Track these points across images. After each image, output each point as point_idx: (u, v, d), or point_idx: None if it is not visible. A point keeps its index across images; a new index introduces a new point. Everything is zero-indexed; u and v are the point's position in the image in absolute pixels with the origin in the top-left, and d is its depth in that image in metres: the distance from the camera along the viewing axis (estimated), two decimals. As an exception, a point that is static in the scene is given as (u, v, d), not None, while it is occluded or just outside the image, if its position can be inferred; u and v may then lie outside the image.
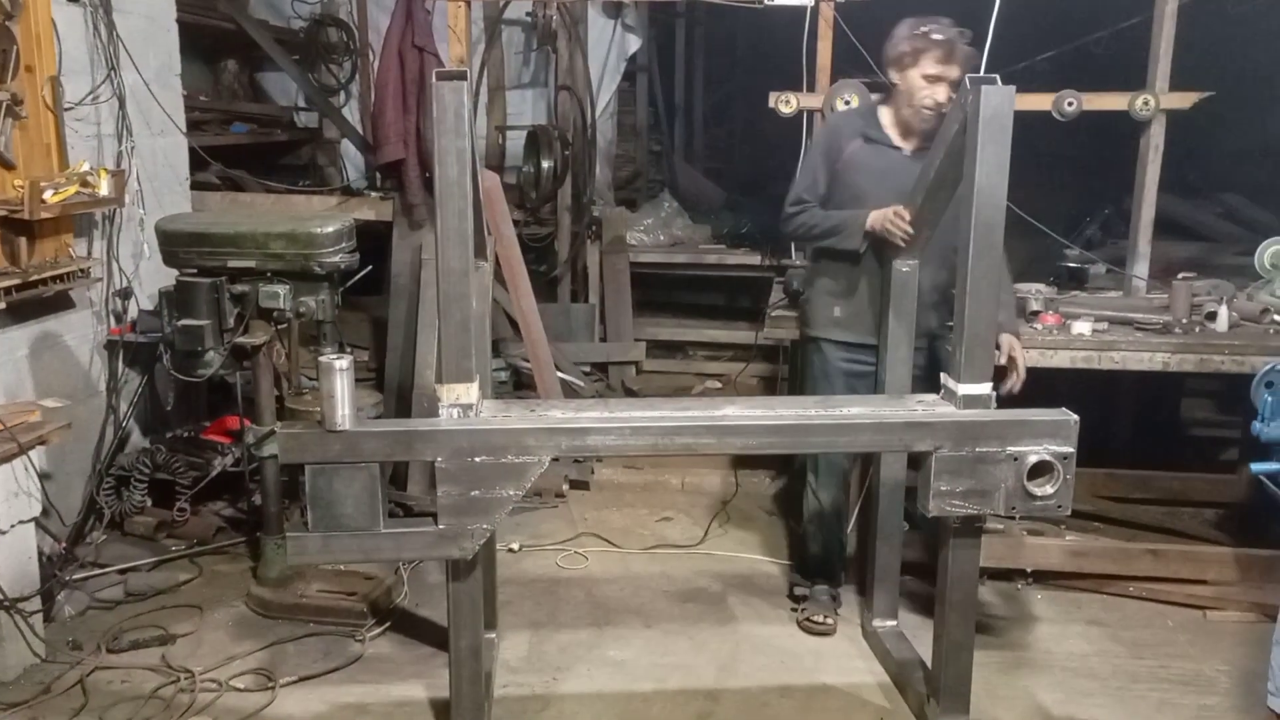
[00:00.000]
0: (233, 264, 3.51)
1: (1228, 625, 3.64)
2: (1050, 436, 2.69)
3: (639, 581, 4.00)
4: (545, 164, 5.86)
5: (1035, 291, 4.01)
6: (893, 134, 3.39)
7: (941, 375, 2.90)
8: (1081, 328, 3.71)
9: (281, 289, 3.52)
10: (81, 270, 3.93)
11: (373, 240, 4.67)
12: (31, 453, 3.25)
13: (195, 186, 4.97)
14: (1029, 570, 3.85)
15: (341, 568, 3.74)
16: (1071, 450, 2.69)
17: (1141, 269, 4.42)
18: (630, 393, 5.92)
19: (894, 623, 3.51)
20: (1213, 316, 3.78)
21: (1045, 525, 3.92)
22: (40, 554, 3.46)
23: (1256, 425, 3.02)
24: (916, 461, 2.85)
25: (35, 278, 3.67)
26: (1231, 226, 6.35)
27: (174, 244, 3.57)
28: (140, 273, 4.33)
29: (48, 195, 3.59)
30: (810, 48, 4.52)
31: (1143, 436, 4.94)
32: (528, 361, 5.16)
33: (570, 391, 5.35)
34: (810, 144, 3.68)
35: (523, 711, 3.15)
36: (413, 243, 5.03)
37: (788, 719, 3.14)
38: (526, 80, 6.53)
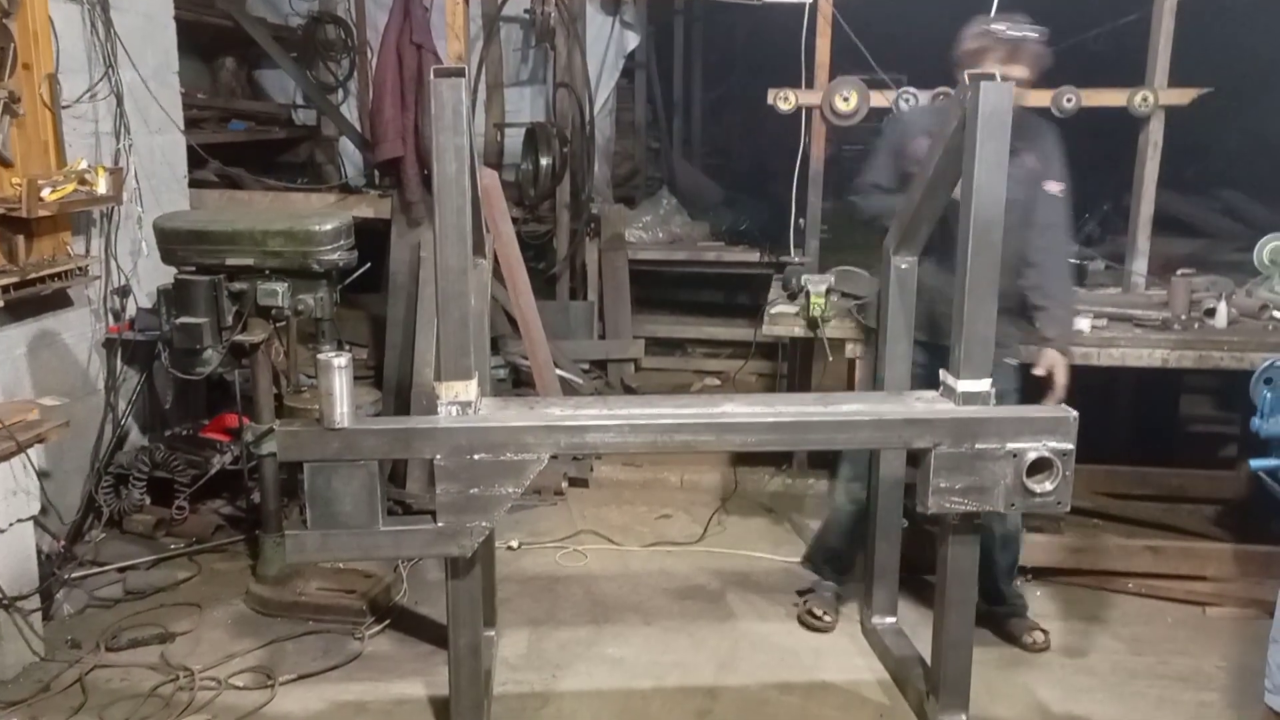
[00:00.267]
0: (231, 262, 3.51)
1: (1226, 621, 3.64)
2: (1049, 433, 2.69)
3: (638, 579, 4.00)
4: (544, 161, 5.86)
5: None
6: None
7: (940, 372, 2.90)
8: (1081, 324, 3.71)
9: (280, 287, 3.52)
10: (79, 268, 3.92)
11: (371, 238, 4.66)
12: (30, 451, 3.25)
13: (193, 184, 4.96)
14: (1028, 566, 3.85)
15: (340, 565, 3.74)
16: (1071, 447, 2.69)
17: (1140, 265, 4.42)
18: (629, 390, 5.92)
19: (893, 619, 3.51)
20: (1212, 313, 3.78)
21: (1044, 521, 3.93)
22: (39, 552, 3.46)
23: (1255, 421, 3.01)
24: (916, 458, 2.85)
25: (33, 276, 3.67)
26: (1230, 223, 6.35)
27: (172, 242, 3.57)
28: (138, 270, 4.32)
29: (45, 193, 3.58)
30: (809, 44, 4.52)
31: (1142, 433, 4.93)
32: (526, 359, 5.15)
33: (569, 389, 5.34)
34: (880, 137, 3.65)
35: (522, 709, 3.15)
36: (411, 240, 5.02)
37: (787, 716, 3.14)
38: (525, 77, 6.53)
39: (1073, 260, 3.88)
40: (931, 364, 3.24)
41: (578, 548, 4.26)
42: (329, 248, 3.49)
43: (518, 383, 5.41)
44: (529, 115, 6.43)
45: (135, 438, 4.40)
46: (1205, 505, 4.39)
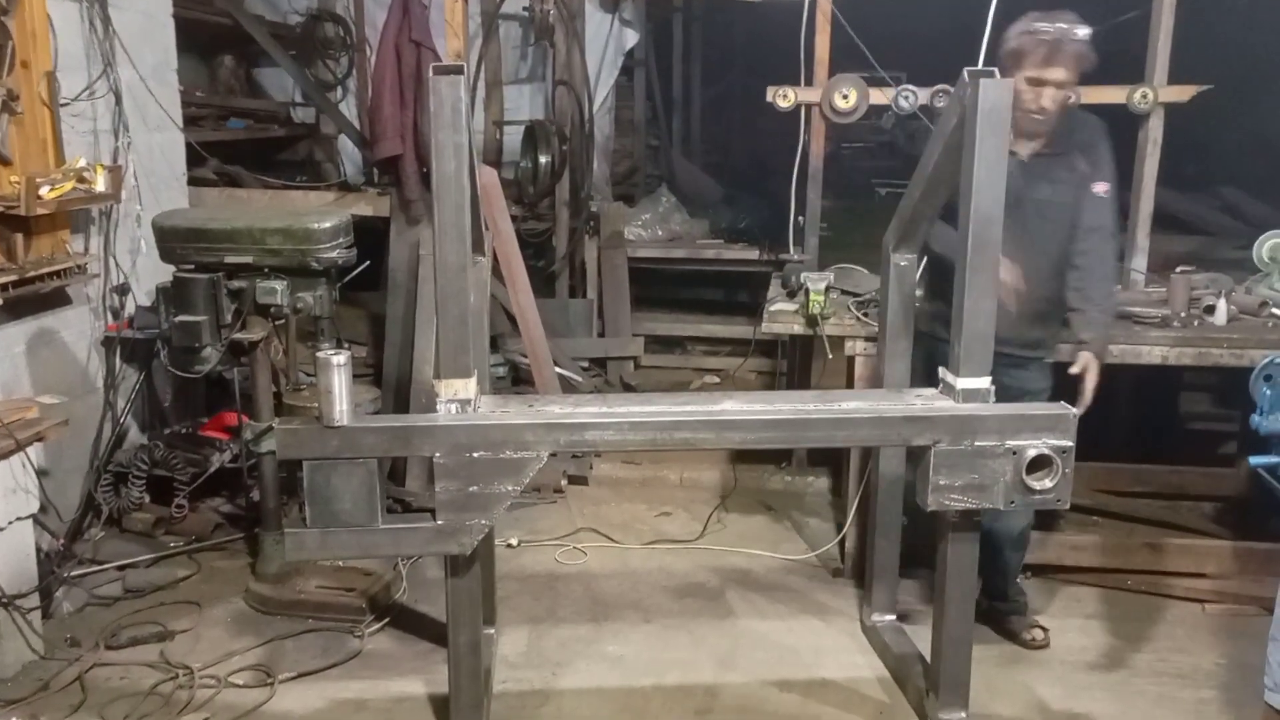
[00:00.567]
0: (230, 260, 3.51)
1: (1226, 619, 3.64)
2: (1049, 430, 2.69)
3: (638, 576, 4.00)
4: (543, 159, 5.86)
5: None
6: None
7: (940, 369, 2.89)
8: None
9: (279, 285, 3.51)
10: (78, 266, 3.92)
11: (370, 236, 4.66)
12: (29, 449, 3.24)
13: (192, 182, 4.96)
14: (1028, 564, 3.84)
15: (340, 564, 3.74)
16: (1070, 444, 2.69)
17: (1140, 263, 4.42)
18: (628, 388, 5.92)
19: (893, 617, 3.52)
20: (1211, 310, 3.78)
21: (1044, 519, 3.92)
22: (38, 551, 3.46)
23: (1255, 419, 3.00)
24: (916, 456, 2.85)
25: (32, 274, 3.66)
26: (1230, 220, 6.34)
27: (171, 240, 3.57)
28: (137, 269, 4.31)
29: (44, 191, 3.58)
30: (809, 41, 4.51)
31: (1141, 430, 4.93)
32: (526, 357, 5.15)
33: (568, 387, 5.34)
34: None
35: (522, 707, 3.15)
36: (410, 238, 5.02)
37: (787, 714, 3.14)
38: (524, 75, 6.52)
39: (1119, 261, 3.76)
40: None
41: (577, 545, 4.26)
42: (328, 246, 3.49)
43: (517, 380, 5.41)
44: (528, 113, 6.43)
45: (134, 436, 4.40)
46: (1205, 502, 4.39)
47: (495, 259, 4.75)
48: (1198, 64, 4.42)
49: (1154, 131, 4.30)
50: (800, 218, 4.72)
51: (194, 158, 4.98)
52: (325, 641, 3.47)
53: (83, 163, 3.84)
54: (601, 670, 3.36)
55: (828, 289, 3.88)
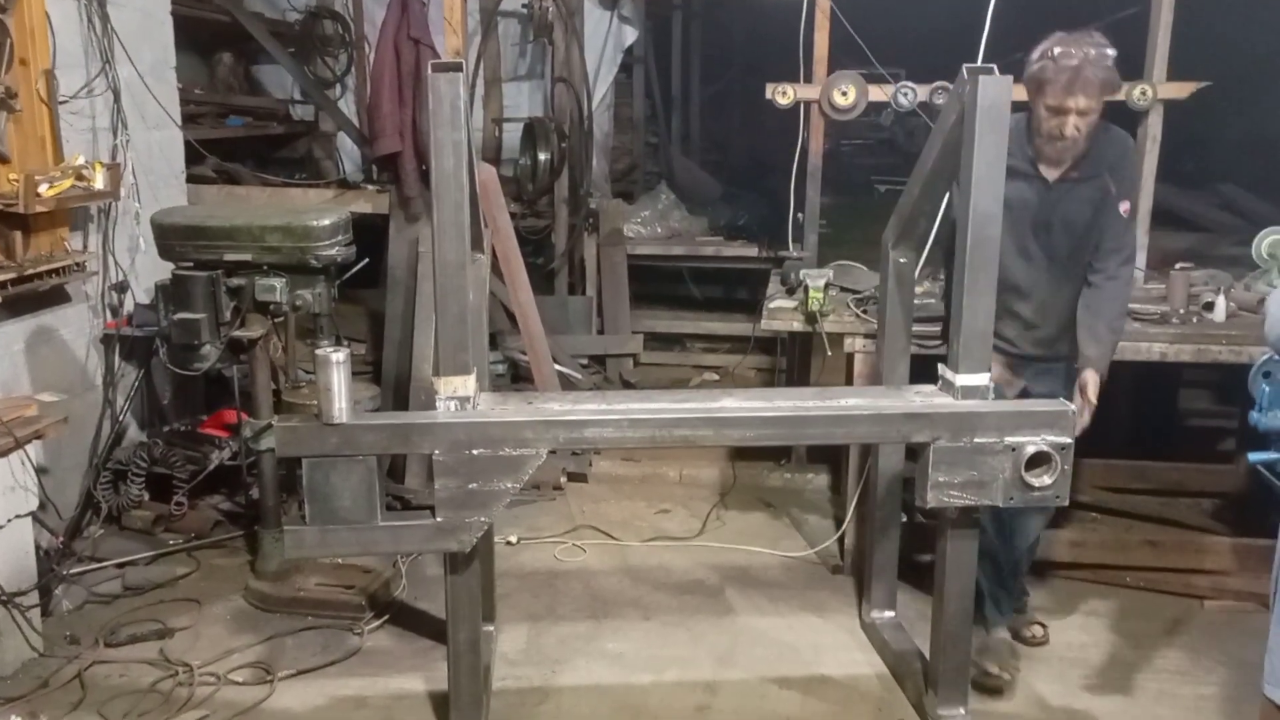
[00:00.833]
0: (229, 257, 3.50)
1: (1224, 615, 3.65)
2: (1048, 427, 2.69)
3: (637, 574, 4.01)
4: (542, 156, 5.85)
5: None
6: (1035, 159, 3.11)
7: (939, 366, 2.89)
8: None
9: (278, 282, 3.51)
10: (77, 264, 3.92)
11: (369, 233, 4.65)
12: (28, 447, 3.24)
13: (191, 180, 4.95)
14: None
15: (339, 561, 3.74)
16: (1069, 440, 2.69)
17: (1139, 259, 4.41)
18: (628, 385, 5.92)
19: (892, 614, 3.52)
20: (1210, 307, 3.78)
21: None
22: (37, 548, 3.46)
23: (1254, 415, 3.00)
24: (915, 452, 2.85)
25: (31, 272, 3.66)
26: (1229, 217, 6.34)
27: (170, 237, 3.57)
28: (136, 266, 4.31)
29: (43, 189, 3.58)
30: (807, 38, 4.51)
31: (1140, 427, 4.93)
32: (525, 354, 5.15)
33: (568, 384, 5.35)
34: None
35: (521, 704, 3.15)
36: (409, 235, 5.02)
37: (786, 711, 3.14)
38: (523, 72, 6.52)
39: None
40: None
41: (576, 543, 4.26)
42: (327, 243, 3.49)
43: (516, 378, 5.41)
44: (527, 110, 6.43)
45: (134, 433, 4.40)
46: (1203, 499, 4.39)
47: (494, 256, 4.75)
48: (1197, 60, 4.42)
49: (1153, 128, 4.30)
50: (799, 215, 4.72)
51: (193, 155, 4.97)
52: (325, 639, 3.47)
53: (81, 160, 3.84)
54: (601, 667, 3.36)
55: (827, 286, 3.88)
